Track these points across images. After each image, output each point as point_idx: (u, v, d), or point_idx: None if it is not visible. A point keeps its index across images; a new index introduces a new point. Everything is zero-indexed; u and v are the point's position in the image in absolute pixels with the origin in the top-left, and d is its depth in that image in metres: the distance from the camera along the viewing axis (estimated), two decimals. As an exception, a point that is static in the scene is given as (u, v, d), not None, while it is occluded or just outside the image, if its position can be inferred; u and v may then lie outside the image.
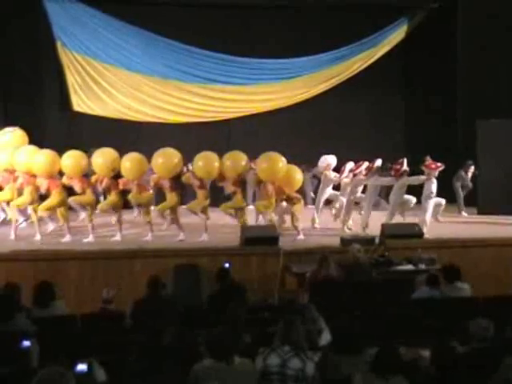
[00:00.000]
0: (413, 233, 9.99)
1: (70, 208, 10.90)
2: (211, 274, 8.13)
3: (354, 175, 11.25)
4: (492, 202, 12.21)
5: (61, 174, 10.65)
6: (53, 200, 10.37)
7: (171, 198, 10.54)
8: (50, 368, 3.81)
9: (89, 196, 10.53)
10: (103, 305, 6.64)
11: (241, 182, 10.94)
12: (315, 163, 15.26)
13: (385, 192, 12.35)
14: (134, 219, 11.86)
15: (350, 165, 11.52)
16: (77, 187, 10.52)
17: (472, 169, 13.26)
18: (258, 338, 5.45)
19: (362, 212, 11.40)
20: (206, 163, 10.63)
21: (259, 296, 8.34)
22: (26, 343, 5.04)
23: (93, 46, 14.34)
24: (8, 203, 10.83)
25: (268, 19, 15.04)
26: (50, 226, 11.03)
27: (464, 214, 13.00)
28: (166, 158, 10.54)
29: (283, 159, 10.69)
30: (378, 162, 11.16)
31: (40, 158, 10.41)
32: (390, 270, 8.89)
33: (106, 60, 14.40)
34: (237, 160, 10.74)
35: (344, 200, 11.36)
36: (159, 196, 11.59)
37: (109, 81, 14.47)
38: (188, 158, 12.86)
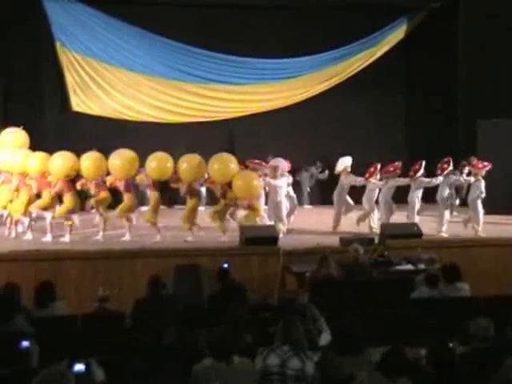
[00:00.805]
0: (412, 233, 10.00)
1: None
2: (212, 273, 8.15)
3: (368, 178, 11.17)
4: (492, 201, 12.19)
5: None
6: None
7: (128, 199, 10.55)
8: (51, 368, 3.82)
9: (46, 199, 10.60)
10: (99, 303, 6.64)
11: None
12: (313, 163, 15.31)
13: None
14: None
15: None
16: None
17: (466, 169, 13.26)
18: (258, 338, 5.45)
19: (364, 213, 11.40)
20: (159, 164, 10.58)
21: (259, 296, 8.33)
22: (26, 343, 5.04)
23: (92, 46, 14.34)
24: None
25: (268, 19, 15.05)
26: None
27: (454, 213, 13.06)
28: (122, 160, 10.52)
29: (235, 161, 10.63)
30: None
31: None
32: (389, 269, 8.89)
33: (105, 60, 14.40)
34: (225, 163, 10.67)
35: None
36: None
37: (108, 81, 14.47)
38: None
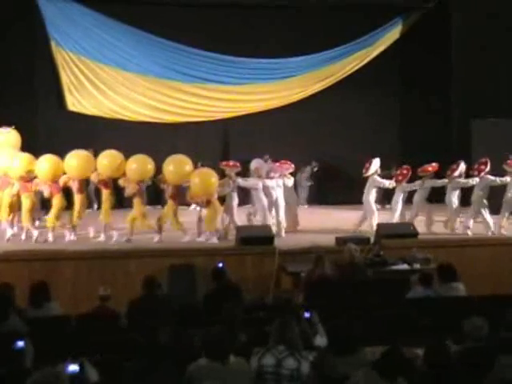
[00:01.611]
0: (408, 232, 10.01)
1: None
2: (206, 273, 8.13)
3: (399, 180, 11.11)
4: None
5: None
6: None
7: (79, 200, 10.52)
8: (44, 370, 3.80)
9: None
10: (101, 302, 6.63)
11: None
12: (309, 163, 15.30)
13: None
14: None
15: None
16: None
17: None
18: (253, 338, 5.44)
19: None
20: (110, 161, 10.58)
21: (254, 296, 8.33)
22: (20, 344, 5.02)
23: (88, 46, 14.31)
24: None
25: (265, 19, 15.05)
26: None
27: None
28: (78, 160, 10.48)
29: (190, 162, 10.64)
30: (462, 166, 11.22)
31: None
32: (384, 269, 8.90)
33: (101, 60, 14.37)
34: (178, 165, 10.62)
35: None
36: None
37: (104, 80, 14.44)
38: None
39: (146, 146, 14.28)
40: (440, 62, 14.87)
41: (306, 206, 14.90)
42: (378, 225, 10.39)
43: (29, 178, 10.57)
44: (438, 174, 11.48)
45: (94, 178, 10.77)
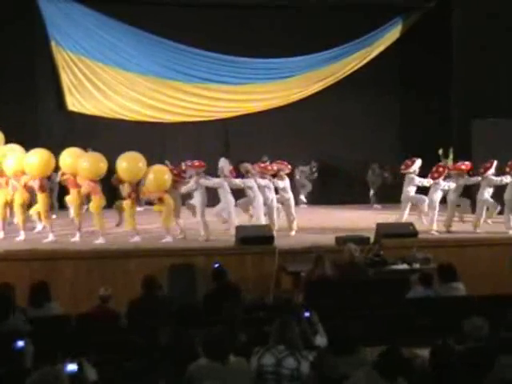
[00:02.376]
0: (407, 232, 10.01)
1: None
2: (206, 273, 8.14)
3: (435, 178, 11.00)
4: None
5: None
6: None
7: (42, 199, 10.43)
8: (43, 369, 3.80)
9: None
10: (101, 302, 6.63)
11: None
12: (309, 163, 15.27)
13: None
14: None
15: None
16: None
17: None
18: (253, 338, 5.44)
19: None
20: (73, 158, 10.57)
21: (254, 295, 8.33)
22: (20, 343, 5.02)
23: (88, 46, 14.32)
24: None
25: (265, 19, 15.04)
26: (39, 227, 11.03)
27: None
28: (39, 158, 10.37)
29: (143, 159, 10.55)
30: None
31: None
32: (384, 269, 8.89)
33: (101, 59, 14.37)
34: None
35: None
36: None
37: (104, 80, 14.45)
38: (185, 158, 12.83)
39: (145, 146, 14.29)
40: (440, 61, 14.86)
41: (306, 206, 14.90)
42: (378, 224, 10.38)
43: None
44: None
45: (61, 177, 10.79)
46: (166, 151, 13.86)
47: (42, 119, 14.51)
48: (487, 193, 11.13)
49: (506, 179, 11.03)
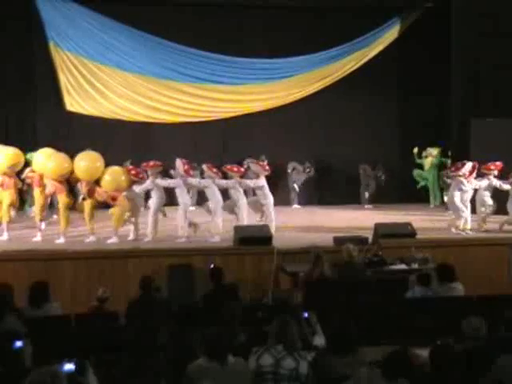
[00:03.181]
0: (406, 232, 10.01)
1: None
2: (205, 273, 8.14)
3: (467, 177, 10.85)
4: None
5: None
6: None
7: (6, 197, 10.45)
8: (42, 368, 3.80)
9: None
10: (98, 303, 6.63)
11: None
12: (301, 163, 15.24)
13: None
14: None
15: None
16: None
17: None
18: (252, 338, 5.45)
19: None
20: (44, 158, 10.59)
21: (253, 295, 8.34)
22: (19, 343, 5.02)
23: (86, 46, 14.31)
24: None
25: (262, 19, 15.05)
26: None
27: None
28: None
29: (101, 159, 10.58)
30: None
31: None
32: (383, 269, 8.89)
33: (99, 60, 14.37)
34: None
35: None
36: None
37: (102, 81, 14.44)
38: (184, 158, 12.81)
39: (143, 146, 14.36)
40: (438, 62, 14.88)
41: (299, 207, 14.89)
42: (376, 224, 10.39)
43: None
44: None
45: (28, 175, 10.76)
46: (163, 151, 13.85)
47: (40, 119, 14.51)
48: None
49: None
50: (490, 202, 11.26)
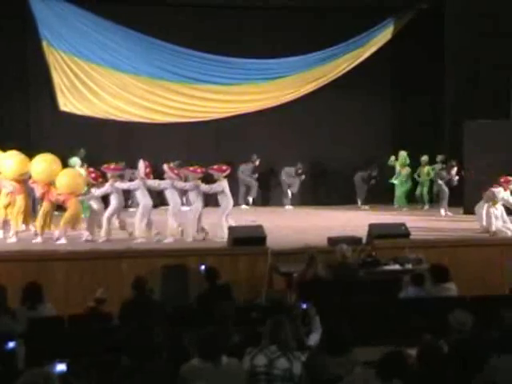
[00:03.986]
0: (399, 233, 10.03)
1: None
2: (199, 274, 8.14)
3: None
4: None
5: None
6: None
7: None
8: (34, 370, 3.79)
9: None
10: (95, 304, 6.62)
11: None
12: (293, 163, 15.22)
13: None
14: None
15: None
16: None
17: (455, 169, 13.38)
18: (246, 338, 5.45)
19: None
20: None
21: (247, 296, 8.33)
22: (11, 344, 5.01)
23: (79, 46, 14.29)
24: None
25: (257, 20, 15.06)
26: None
27: (442, 213, 13.14)
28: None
29: (58, 161, 10.56)
30: None
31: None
32: (377, 269, 8.90)
33: (92, 60, 14.35)
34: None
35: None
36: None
37: (96, 81, 14.42)
38: (178, 159, 12.84)
39: (138, 146, 14.33)
40: (432, 62, 14.91)
41: (292, 208, 14.89)
42: (370, 225, 10.40)
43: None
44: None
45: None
46: (157, 151, 13.84)
47: (34, 120, 14.46)
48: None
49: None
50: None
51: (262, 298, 8.56)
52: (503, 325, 5.12)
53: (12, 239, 10.30)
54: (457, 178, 13.38)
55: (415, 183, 14.72)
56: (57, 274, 9.03)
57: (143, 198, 10.53)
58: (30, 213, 10.94)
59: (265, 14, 15.02)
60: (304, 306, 5.75)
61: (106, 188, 10.45)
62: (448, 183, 13.31)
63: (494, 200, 10.86)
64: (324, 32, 14.93)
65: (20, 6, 13.71)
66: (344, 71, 15.18)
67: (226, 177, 10.88)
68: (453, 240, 10.44)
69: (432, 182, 14.17)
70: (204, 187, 10.67)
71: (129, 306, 6.66)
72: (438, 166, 14.05)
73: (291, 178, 14.96)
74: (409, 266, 8.91)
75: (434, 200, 14.21)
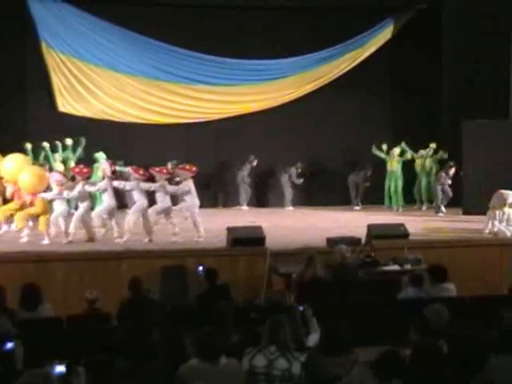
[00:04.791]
0: (398, 233, 10.03)
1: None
2: (198, 274, 8.14)
3: None
4: (477, 202, 12.26)
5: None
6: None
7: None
8: (32, 371, 3.79)
9: None
10: (90, 305, 6.62)
11: None
12: (292, 164, 15.20)
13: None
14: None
15: None
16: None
17: (453, 170, 13.39)
18: (244, 339, 5.44)
19: None
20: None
21: (246, 296, 8.33)
22: (9, 345, 5.00)
23: (78, 47, 14.29)
24: None
25: (256, 20, 15.06)
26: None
27: (440, 214, 13.14)
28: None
29: (28, 160, 10.60)
30: None
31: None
32: (376, 270, 8.91)
33: (90, 60, 14.34)
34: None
35: None
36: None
37: (94, 82, 14.42)
38: (177, 159, 12.80)
39: (136, 147, 14.34)
40: (431, 62, 14.92)
41: (292, 208, 14.88)
42: (369, 226, 10.40)
43: None
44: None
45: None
46: (154, 152, 13.84)
47: (32, 120, 14.44)
48: None
49: None
50: None
51: (261, 298, 8.56)
52: (502, 325, 5.11)
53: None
54: (450, 182, 13.38)
55: (408, 180, 14.64)
56: (56, 275, 9.02)
57: (109, 199, 10.48)
58: None
59: (264, 14, 15.02)
60: (301, 308, 5.75)
61: (75, 192, 10.31)
62: (443, 189, 13.35)
63: (502, 203, 10.74)
64: (323, 32, 14.93)
65: (19, 7, 13.71)
66: (343, 71, 15.17)
67: (193, 177, 10.78)
68: (452, 240, 10.44)
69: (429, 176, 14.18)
70: (170, 188, 10.61)
71: (126, 306, 6.66)
72: (428, 152, 14.00)
73: (291, 178, 14.95)
74: (408, 267, 8.91)
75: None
